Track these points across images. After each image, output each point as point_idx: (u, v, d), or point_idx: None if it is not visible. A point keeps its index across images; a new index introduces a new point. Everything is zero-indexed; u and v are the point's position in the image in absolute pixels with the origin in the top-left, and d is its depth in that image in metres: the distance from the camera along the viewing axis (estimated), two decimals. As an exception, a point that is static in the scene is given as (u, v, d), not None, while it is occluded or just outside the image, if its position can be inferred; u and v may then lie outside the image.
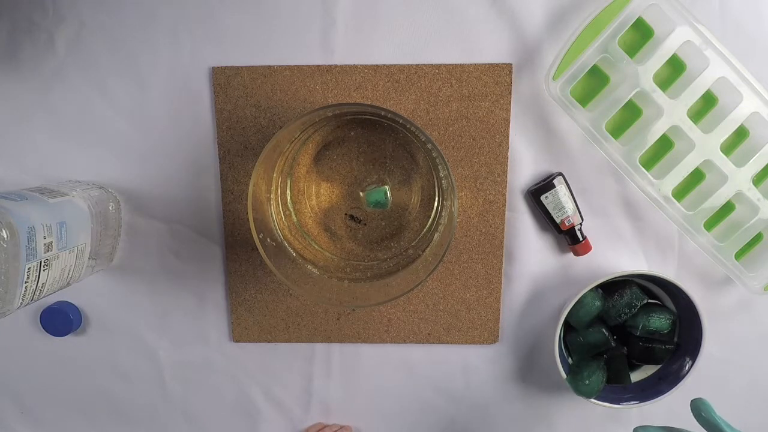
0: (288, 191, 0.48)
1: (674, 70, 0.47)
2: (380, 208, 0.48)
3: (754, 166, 0.47)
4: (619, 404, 0.50)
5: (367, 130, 0.47)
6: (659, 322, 0.49)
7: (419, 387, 0.55)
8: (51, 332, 0.52)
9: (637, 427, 0.42)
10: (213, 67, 0.48)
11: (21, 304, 0.39)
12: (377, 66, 0.48)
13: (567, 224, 0.49)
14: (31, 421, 0.56)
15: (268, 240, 0.44)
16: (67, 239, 0.42)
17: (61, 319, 0.52)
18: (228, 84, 0.48)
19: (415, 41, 0.48)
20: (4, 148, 0.50)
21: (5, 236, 0.36)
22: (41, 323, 0.52)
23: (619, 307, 0.49)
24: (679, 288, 0.48)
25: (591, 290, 0.49)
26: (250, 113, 0.49)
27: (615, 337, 0.51)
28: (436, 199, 0.48)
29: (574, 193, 0.49)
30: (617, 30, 0.44)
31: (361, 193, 0.48)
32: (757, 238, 0.49)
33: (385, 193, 0.47)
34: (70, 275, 0.44)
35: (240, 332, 0.53)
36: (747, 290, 0.49)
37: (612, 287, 0.50)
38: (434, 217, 0.48)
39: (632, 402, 0.50)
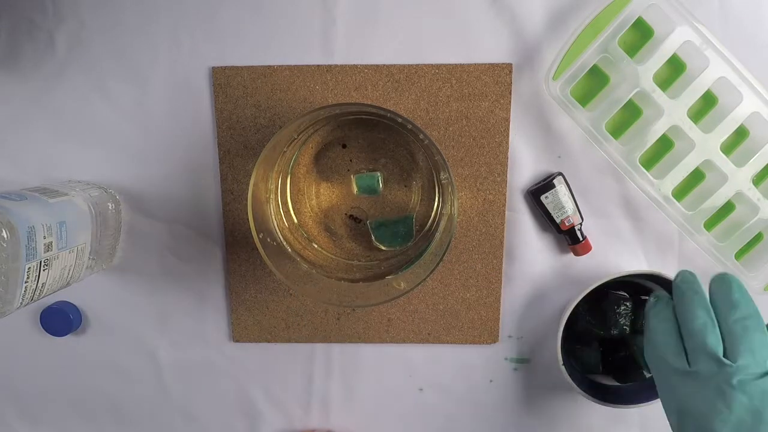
0: (288, 191, 0.48)
1: (674, 70, 0.47)
2: (370, 194, 0.47)
3: (754, 166, 0.47)
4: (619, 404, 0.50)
5: (367, 130, 0.47)
6: None
7: (419, 387, 0.55)
8: (51, 332, 0.52)
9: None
10: (213, 67, 0.48)
11: (21, 304, 0.39)
12: (377, 66, 0.48)
13: (567, 224, 0.49)
14: (31, 421, 0.56)
15: (268, 240, 0.44)
16: (67, 239, 0.42)
17: (61, 319, 0.51)
18: (228, 84, 0.48)
19: (415, 41, 0.48)
20: (4, 148, 0.50)
21: (5, 236, 0.36)
22: (41, 323, 0.52)
23: (616, 323, 0.49)
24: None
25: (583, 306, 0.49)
26: (250, 113, 0.49)
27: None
28: (436, 199, 0.48)
29: (574, 193, 0.49)
30: (617, 30, 0.44)
31: (352, 177, 0.47)
32: (757, 238, 0.49)
33: (377, 179, 0.46)
34: (70, 275, 0.44)
35: (240, 332, 0.53)
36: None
37: (594, 304, 0.50)
38: (434, 217, 0.48)
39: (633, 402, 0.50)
